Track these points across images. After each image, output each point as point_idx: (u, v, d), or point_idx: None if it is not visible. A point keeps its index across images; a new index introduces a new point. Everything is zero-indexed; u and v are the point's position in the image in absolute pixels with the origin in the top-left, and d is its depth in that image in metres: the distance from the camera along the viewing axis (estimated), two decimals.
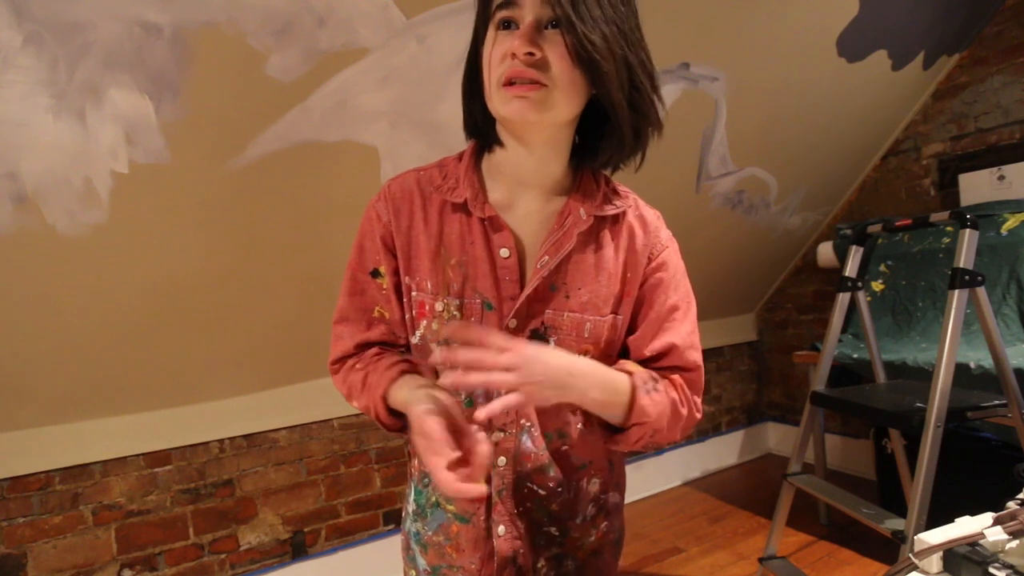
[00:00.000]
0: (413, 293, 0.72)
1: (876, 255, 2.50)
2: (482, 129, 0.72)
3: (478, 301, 0.70)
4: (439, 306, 0.70)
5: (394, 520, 2.29)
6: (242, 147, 1.46)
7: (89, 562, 1.79)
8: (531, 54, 0.61)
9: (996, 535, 0.58)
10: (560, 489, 0.74)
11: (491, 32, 0.65)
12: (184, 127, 1.35)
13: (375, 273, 0.74)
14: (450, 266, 0.70)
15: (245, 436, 2.03)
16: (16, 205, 1.29)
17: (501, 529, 0.72)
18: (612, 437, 0.71)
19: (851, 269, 1.95)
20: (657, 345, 0.72)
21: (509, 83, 0.63)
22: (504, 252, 0.70)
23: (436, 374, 0.71)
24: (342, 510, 2.20)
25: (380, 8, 1.38)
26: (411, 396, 0.65)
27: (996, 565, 0.55)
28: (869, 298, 2.39)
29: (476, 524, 0.73)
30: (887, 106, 2.59)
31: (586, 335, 0.71)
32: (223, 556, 1.99)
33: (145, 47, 1.22)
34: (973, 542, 0.59)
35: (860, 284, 1.95)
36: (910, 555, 0.60)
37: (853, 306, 1.98)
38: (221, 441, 1.99)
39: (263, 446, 2.07)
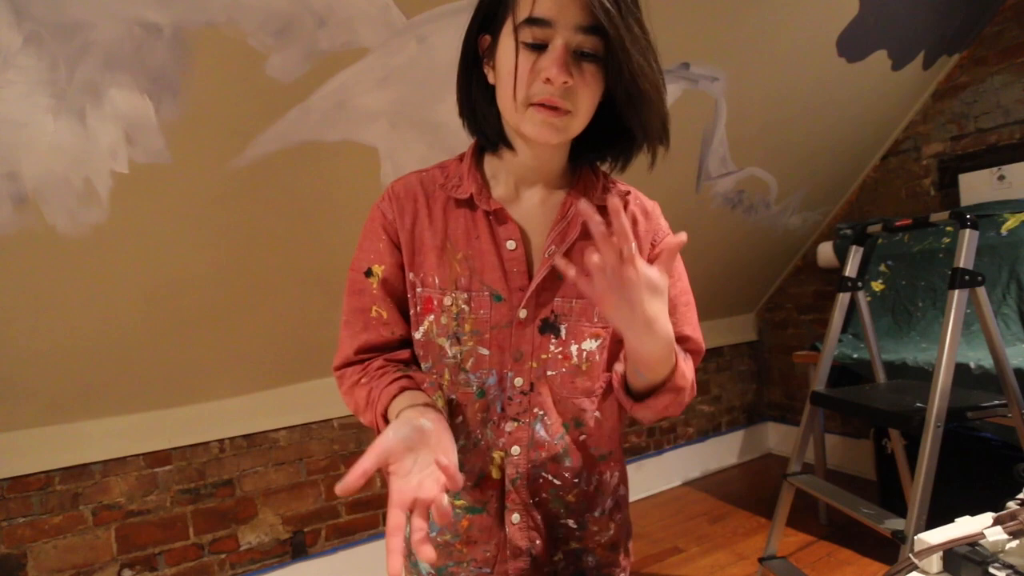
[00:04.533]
0: (418, 289, 0.72)
1: (876, 255, 2.50)
2: (486, 129, 0.72)
3: (486, 293, 0.70)
4: (447, 300, 0.71)
5: None
6: (242, 147, 1.46)
7: (89, 562, 1.79)
8: (566, 83, 0.61)
9: (996, 535, 0.58)
10: (577, 480, 0.74)
11: (517, 43, 0.62)
12: (184, 127, 1.35)
13: (368, 273, 0.74)
14: (456, 260, 0.71)
15: (245, 436, 2.03)
16: (16, 205, 1.29)
17: (515, 517, 0.72)
18: (641, 403, 0.69)
19: (851, 269, 1.95)
20: (675, 333, 0.72)
21: (538, 104, 0.63)
22: (510, 244, 0.70)
23: (440, 388, 0.71)
24: (342, 510, 2.20)
25: (380, 8, 1.38)
26: (394, 419, 0.62)
27: (996, 565, 0.55)
28: (869, 298, 2.39)
29: (489, 512, 0.73)
30: (887, 106, 2.59)
31: (595, 319, 0.72)
32: (223, 556, 1.99)
33: (145, 47, 1.22)
34: (973, 542, 0.58)
35: (860, 284, 1.95)
36: (910, 555, 0.60)
37: (853, 306, 1.98)
38: (221, 441, 1.99)
39: (263, 446, 2.07)
